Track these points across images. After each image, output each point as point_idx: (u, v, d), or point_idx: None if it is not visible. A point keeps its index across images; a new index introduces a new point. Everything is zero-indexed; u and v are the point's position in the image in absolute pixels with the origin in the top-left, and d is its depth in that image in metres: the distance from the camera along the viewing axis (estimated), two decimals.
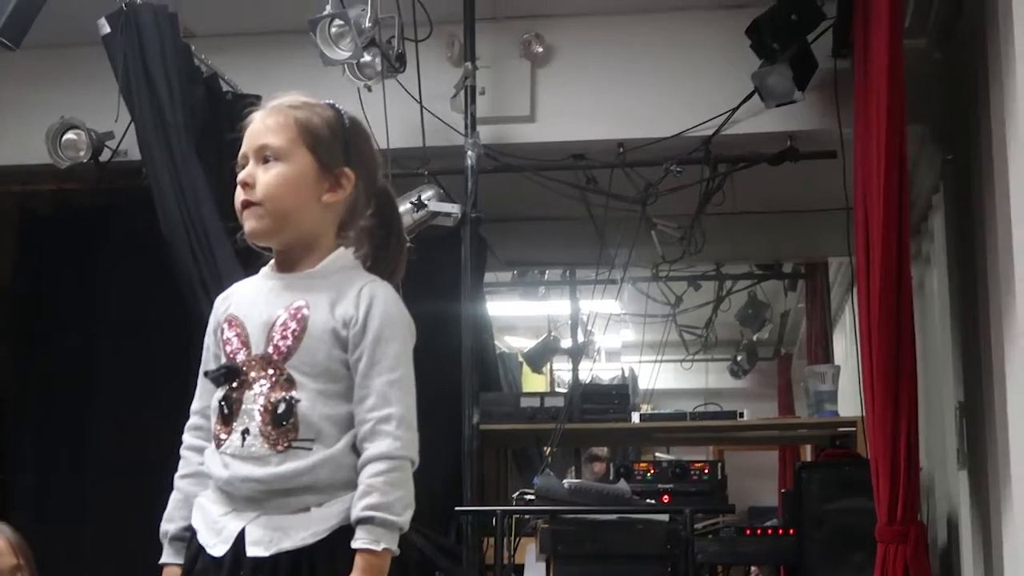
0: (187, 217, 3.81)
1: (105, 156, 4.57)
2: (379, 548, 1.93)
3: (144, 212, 3.95)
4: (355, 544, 1.94)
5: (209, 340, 2.16)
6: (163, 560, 2.11)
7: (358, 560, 1.93)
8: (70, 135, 4.52)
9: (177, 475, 2.15)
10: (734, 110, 4.35)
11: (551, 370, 9.59)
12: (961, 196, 3.99)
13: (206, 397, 2.13)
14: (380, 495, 1.94)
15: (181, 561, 2.08)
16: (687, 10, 4.52)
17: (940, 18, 3.92)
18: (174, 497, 2.13)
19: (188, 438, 2.16)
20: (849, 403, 5.07)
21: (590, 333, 8.04)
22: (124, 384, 4.73)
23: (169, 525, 2.12)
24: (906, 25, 3.62)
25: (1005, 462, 3.14)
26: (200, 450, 2.12)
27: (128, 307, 4.79)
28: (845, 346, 7.24)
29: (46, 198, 5.00)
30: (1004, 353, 3.07)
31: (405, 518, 1.97)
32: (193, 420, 2.16)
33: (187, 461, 2.14)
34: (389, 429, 1.97)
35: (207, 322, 2.21)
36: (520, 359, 8.49)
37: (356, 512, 1.95)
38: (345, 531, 1.96)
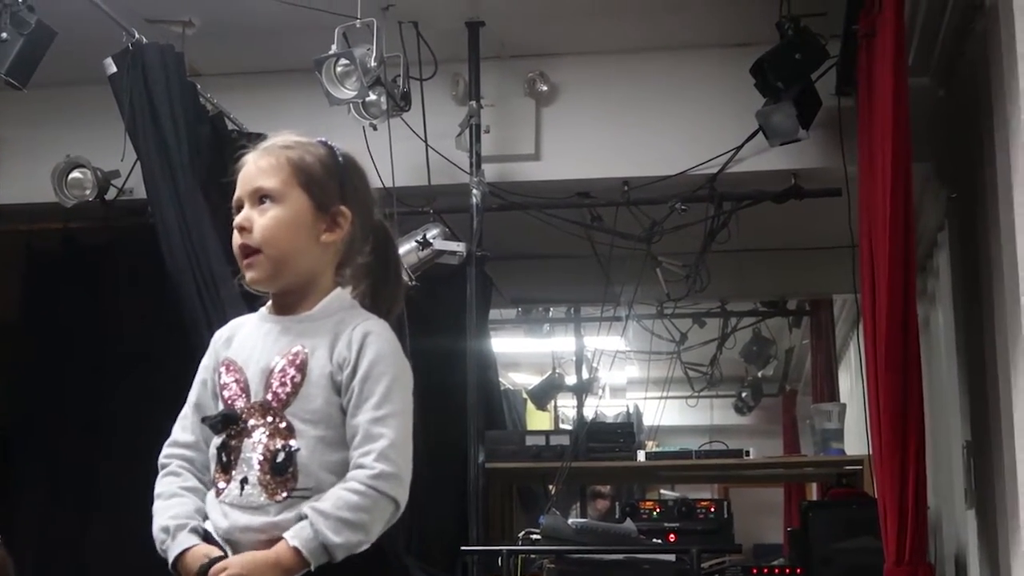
0: (192, 255, 3.81)
1: (111, 194, 4.60)
2: (292, 544, 1.88)
3: (149, 250, 3.94)
4: (285, 534, 1.90)
5: (206, 375, 2.13)
6: (184, 545, 1.98)
7: (278, 546, 1.90)
8: (76, 174, 4.53)
9: (178, 485, 2.06)
10: (738, 148, 4.35)
11: (555, 406, 9.56)
12: (966, 234, 3.98)
13: (197, 432, 2.09)
14: (331, 505, 1.90)
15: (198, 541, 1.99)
16: (691, 49, 4.54)
17: (943, 57, 3.92)
18: (183, 502, 2.04)
19: (180, 467, 2.08)
20: (855, 439, 5.05)
21: (595, 370, 8.02)
22: (129, 421, 4.70)
23: (189, 521, 2.01)
24: (909, 63, 3.62)
25: (1014, 501, 3.11)
26: (193, 473, 2.07)
27: (133, 344, 4.78)
28: (850, 382, 7.20)
29: (52, 236, 5.00)
30: (1012, 391, 3.05)
31: (336, 540, 1.89)
32: (183, 452, 2.08)
33: (186, 476, 2.07)
34: (367, 461, 1.93)
35: None
36: (524, 396, 8.46)
37: (304, 507, 1.91)
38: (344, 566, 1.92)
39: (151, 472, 2.15)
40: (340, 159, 2.12)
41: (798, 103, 4.01)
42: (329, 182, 2.08)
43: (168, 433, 2.16)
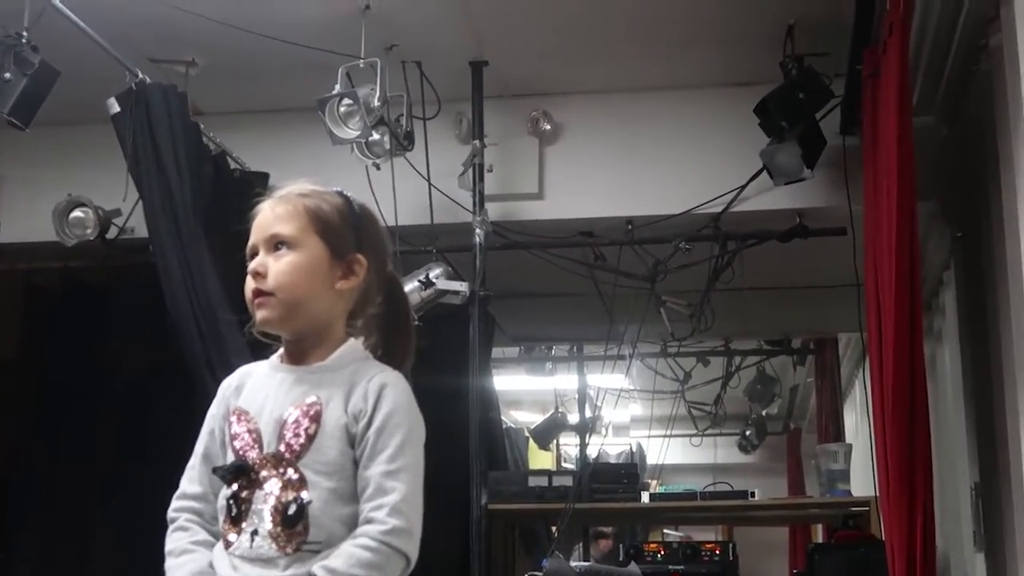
0: (193, 295, 3.80)
1: (112, 233, 4.59)
2: None
3: (150, 290, 3.93)
4: None
5: (214, 424, 2.10)
6: None
7: None
8: (77, 213, 4.53)
9: (188, 540, 2.04)
10: (743, 187, 4.36)
11: (558, 445, 9.53)
12: (972, 273, 3.98)
13: (205, 482, 2.08)
14: (343, 563, 1.89)
15: None
16: (695, 88, 4.56)
17: (947, 95, 3.93)
18: (195, 558, 2.02)
19: (188, 521, 2.06)
20: (861, 480, 5.03)
21: (598, 408, 8.00)
22: (129, 464, 4.69)
23: None
24: (914, 103, 3.62)
25: (1023, 544, 3.10)
26: (202, 526, 2.05)
27: (133, 384, 4.77)
28: (855, 421, 7.19)
29: (52, 275, 5.00)
30: (1020, 432, 3.04)
31: None
32: (192, 504, 2.07)
33: (195, 531, 2.05)
34: (380, 516, 1.91)
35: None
36: (527, 434, 8.43)
37: (313, 567, 1.90)
38: None
39: (151, 514, 2.13)
40: (356, 208, 2.13)
41: (802, 142, 4.02)
42: (346, 230, 2.08)
43: (168, 476, 2.14)
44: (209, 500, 2.07)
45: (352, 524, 1.95)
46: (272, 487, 1.97)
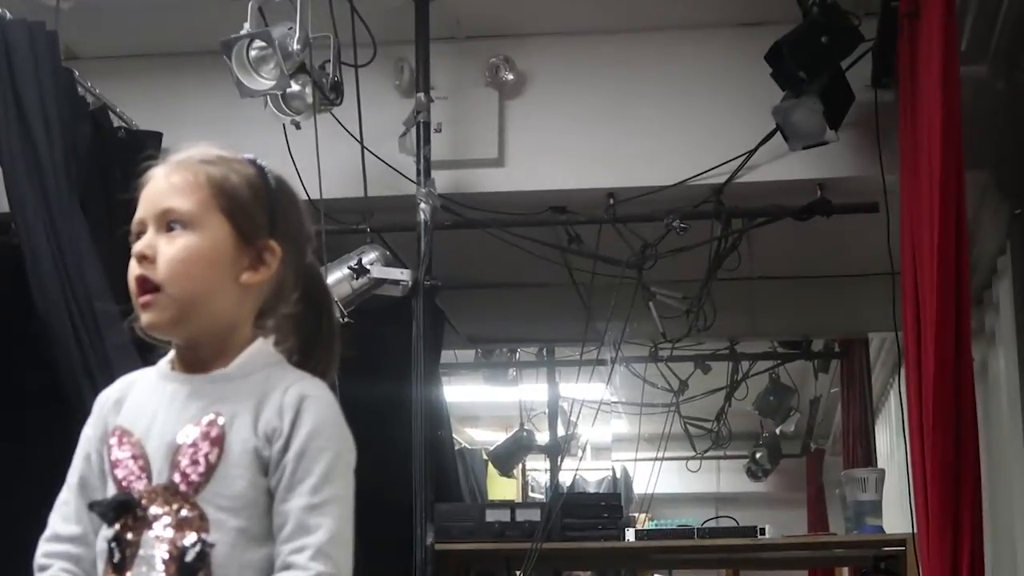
0: (67, 283, 3.79)
1: None
2: None
3: (13, 277, 3.91)
4: None
5: (89, 447, 2.09)
6: None
7: None
8: None
9: None
10: (751, 153, 4.38)
11: (523, 471, 9.57)
12: None
13: (84, 520, 2.06)
14: None
15: None
16: (692, 29, 4.57)
17: (1003, 41, 3.96)
18: None
19: (63, 570, 2.05)
20: (896, 513, 5.07)
21: (573, 425, 8.03)
22: None
23: None
24: (962, 49, 3.65)
25: None
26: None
27: None
28: (890, 440, 7.25)
29: None
30: None
31: None
32: (67, 549, 2.06)
33: None
34: (300, 561, 1.90)
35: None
36: (485, 457, 8.46)
37: None
38: None
39: (21, 561, 2.11)
40: (272, 182, 2.10)
41: (825, 97, 4.03)
42: (257, 209, 2.06)
43: (38, 511, 2.13)
44: (88, 543, 2.05)
45: (267, 571, 1.94)
46: (163, 528, 1.95)
